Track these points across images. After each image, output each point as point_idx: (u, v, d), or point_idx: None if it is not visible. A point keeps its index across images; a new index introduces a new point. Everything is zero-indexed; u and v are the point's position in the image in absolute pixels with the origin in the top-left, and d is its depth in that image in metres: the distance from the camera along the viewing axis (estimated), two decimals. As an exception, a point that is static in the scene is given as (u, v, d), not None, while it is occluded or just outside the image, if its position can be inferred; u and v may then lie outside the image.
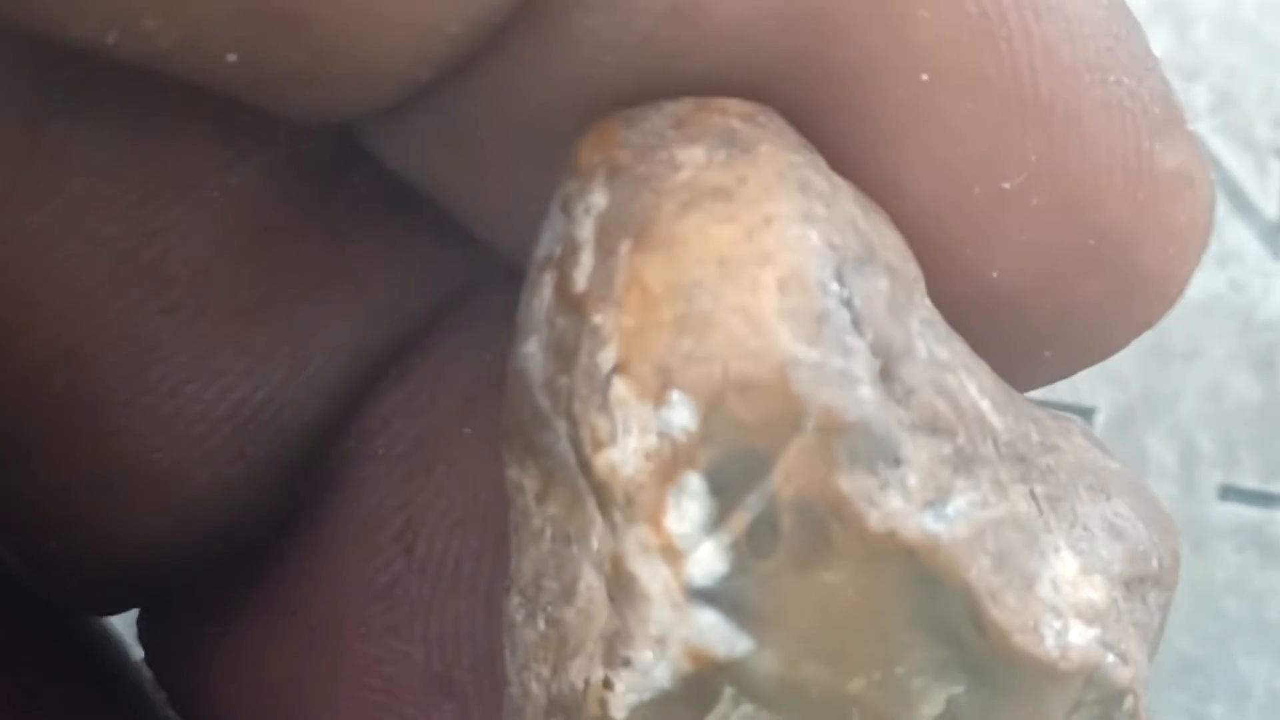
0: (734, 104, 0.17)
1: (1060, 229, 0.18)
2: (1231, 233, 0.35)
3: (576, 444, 0.16)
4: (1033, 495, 0.17)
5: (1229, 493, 0.35)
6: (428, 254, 0.21)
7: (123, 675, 0.23)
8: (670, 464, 0.15)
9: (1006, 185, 0.17)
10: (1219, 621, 0.35)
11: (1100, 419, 0.35)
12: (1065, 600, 0.17)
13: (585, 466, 0.16)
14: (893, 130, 0.17)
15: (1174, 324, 0.35)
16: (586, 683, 0.16)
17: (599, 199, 0.16)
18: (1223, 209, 0.35)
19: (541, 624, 0.17)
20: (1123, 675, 0.17)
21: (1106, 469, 0.18)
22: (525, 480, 0.17)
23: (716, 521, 0.15)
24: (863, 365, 0.16)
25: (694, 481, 0.15)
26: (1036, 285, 0.18)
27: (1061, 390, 0.34)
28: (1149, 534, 0.18)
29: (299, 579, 0.22)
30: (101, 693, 0.23)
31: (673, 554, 0.15)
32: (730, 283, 0.15)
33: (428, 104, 0.18)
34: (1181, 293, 0.19)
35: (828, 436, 0.15)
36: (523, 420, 0.17)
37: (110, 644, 0.23)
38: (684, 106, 0.17)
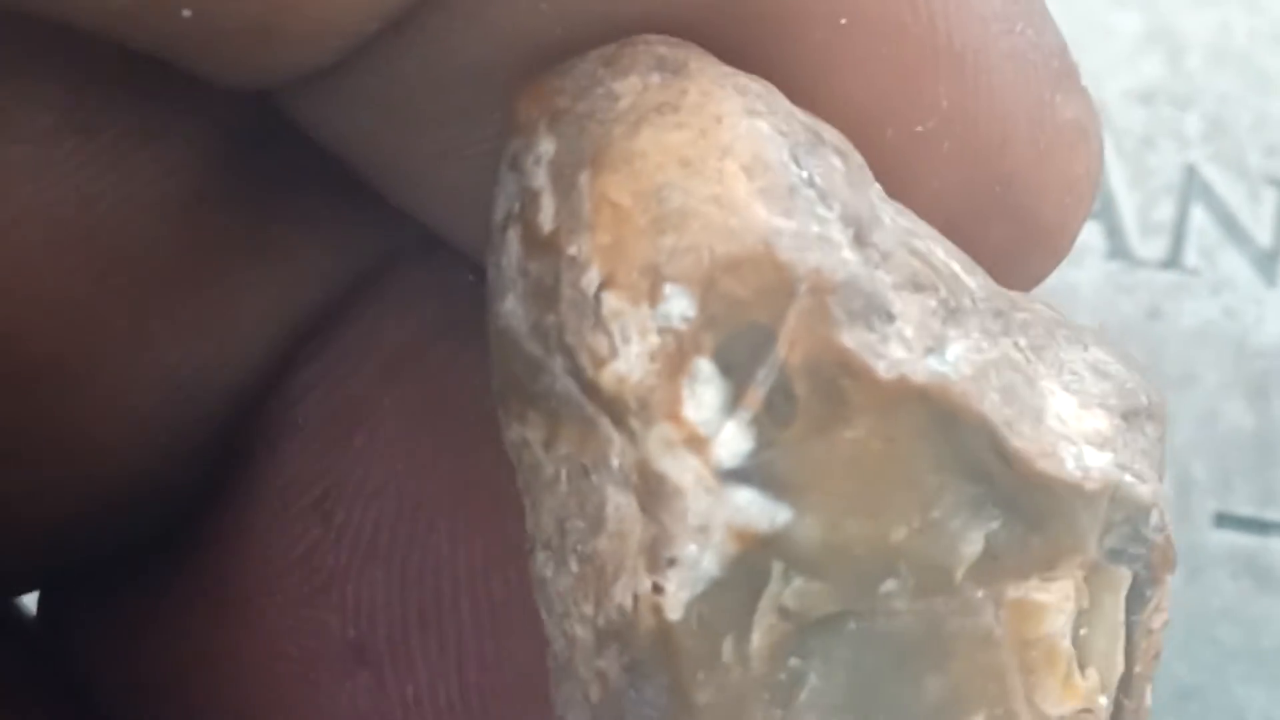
0: (654, 37, 0.17)
1: (969, 174, 0.18)
2: (1225, 260, 0.35)
3: (577, 372, 0.16)
4: (1017, 345, 0.17)
5: (1224, 520, 0.35)
6: (349, 226, 0.21)
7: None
8: (677, 355, 0.16)
9: (919, 129, 0.18)
10: (1214, 649, 0.35)
11: (1094, 446, 0.35)
12: (1073, 430, 0.17)
13: (591, 389, 0.16)
14: (810, 72, 0.18)
15: (1168, 351, 0.35)
16: (635, 598, 0.16)
17: (547, 146, 0.17)
18: (1216, 237, 0.36)
19: (574, 565, 0.17)
20: (1144, 492, 0.17)
21: (1074, 323, 0.19)
22: (529, 432, 0.17)
23: (733, 401, 0.16)
24: (838, 232, 0.16)
25: (704, 367, 0.16)
26: (945, 231, 0.18)
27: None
28: (1131, 373, 0.18)
29: (217, 548, 0.22)
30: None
31: (697, 442, 0.16)
32: (697, 177, 0.16)
33: (362, 64, 0.18)
34: (1071, 246, 0.20)
35: (822, 297, 0.16)
36: (515, 374, 0.17)
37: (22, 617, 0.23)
38: (608, 49, 0.17)
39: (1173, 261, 0.36)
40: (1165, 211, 0.36)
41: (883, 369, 0.16)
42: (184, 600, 0.22)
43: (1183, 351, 0.35)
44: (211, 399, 0.21)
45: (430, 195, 0.20)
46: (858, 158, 0.17)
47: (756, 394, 0.16)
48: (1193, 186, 0.36)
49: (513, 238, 0.17)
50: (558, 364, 0.17)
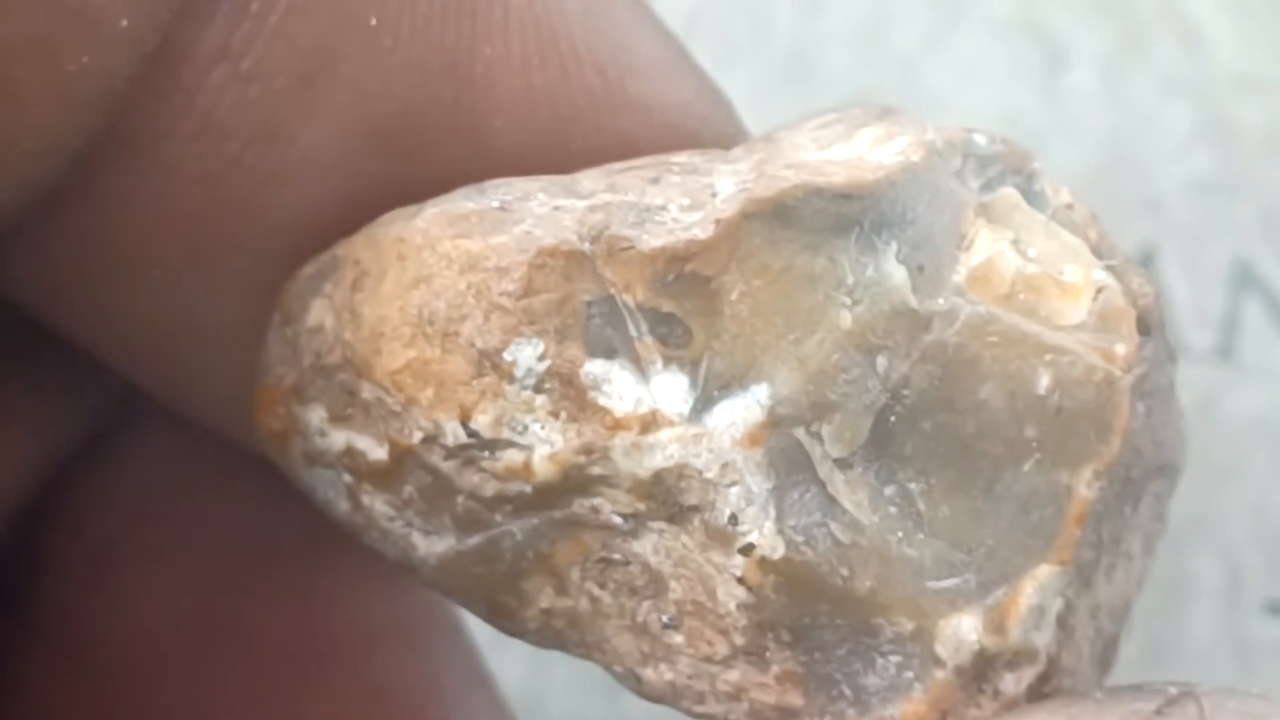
0: (297, 275, 0.18)
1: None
2: (1275, 352, 0.36)
3: (523, 500, 0.17)
4: (764, 155, 0.18)
5: (1275, 609, 0.35)
6: (83, 374, 0.22)
7: None
8: (566, 387, 0.16)
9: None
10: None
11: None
12: (862, 149, 0.18)
13: (543, 495, 0.16)
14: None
15: (1220, 442, 0.35)
16: (741, 580, 0.16)
17: (318, 414, 0.17)
18: (1266, 328, 0.36)
19: (676, 636, 0.17)
20: (953, 133, 0.18)
21: (773, 134, 0.19)
22: (542, 600, 0.17)
23: (638, 367, 0.16)
24: (563, 199, 0.17)
25: (594, 369, 0.16)
26: None
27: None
28: (837, 110, 0.19)
29: None
30: None
31: (649, 421, 0.16)
32: (435, 278, 0.17)
33: (25, 237, 0.18)
34: None
35: (607, 235, 0.16)
36: (484, 576, 0.17)
37: None
38: (275, 317, 0.18)
39: (1225, 353, 0.36)
40: (1217, 303, 0.36)
41: (700, 232, 0.16)
42: None
43: (1234, 443, 0.35)
44: None
45: (119, 355, 0.20)
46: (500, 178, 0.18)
47: (646, 345, 0.16)
48: (1245, 278, 0.36)
49: (370, 500, 0.17)
50: (502, 520, 0.17)
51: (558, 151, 0.18)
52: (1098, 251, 0.18)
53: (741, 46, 0.35)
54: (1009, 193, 0.18)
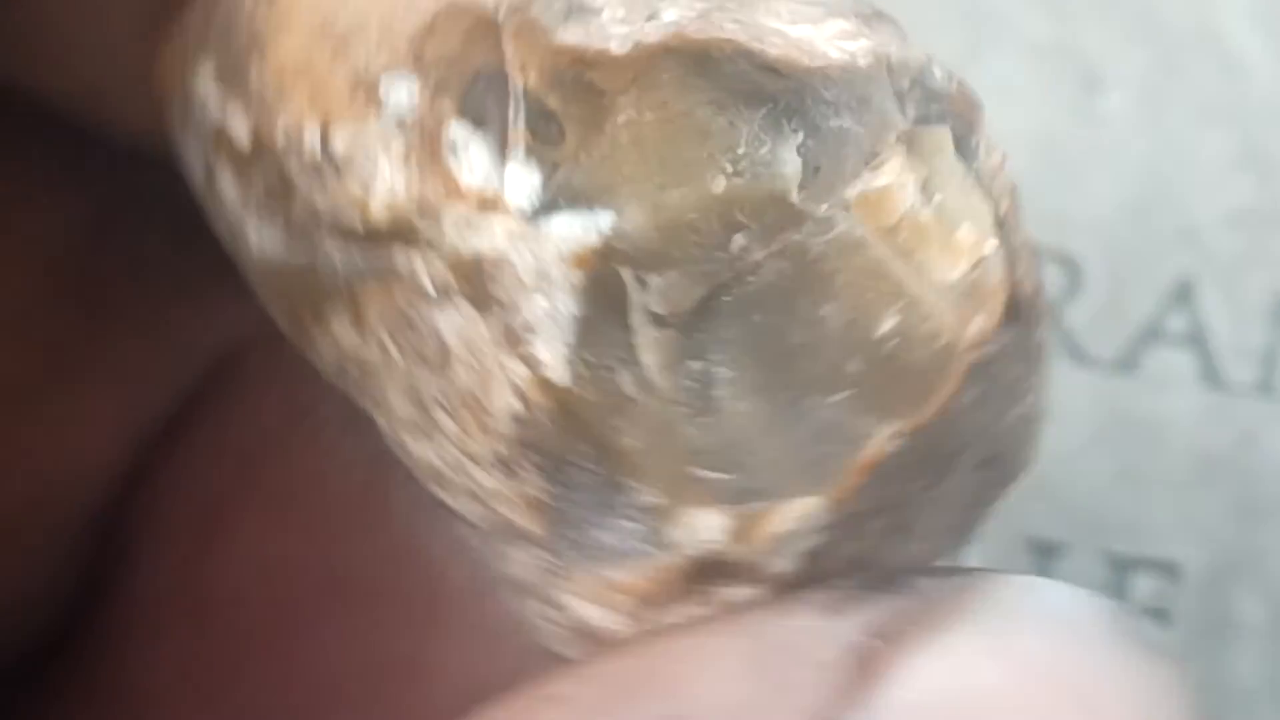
0: None
1: None
2: (1319, 386, 0.35)
3: (350, 233, 0.16)
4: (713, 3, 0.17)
5: (1319, 651, 0.35)
6: (189, 323, 0.22)
7: None
8: (426, 138, 0.16)
9: None
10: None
11: (1186, 575, 0.35)
12: (821, 35, 0.17)
13: (373, 235, 0.16)
14: None
15: (1260, 480, 0.35)
16: (517, 389, 0.16)
17: (206, 66, 0.17)
18: (1309, 362, 0.35)
19: (444, 418, 0.17)
20: (916, 54, 0.17)
21: None
22: (338, 331, 0.17)
23: (501, 148, 0.16)
24: None
25: (457, 132, 0.16)
26: None
27: (1145, 545, 0.34)
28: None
29: (93, 663, 0.22)
30: None
31: (489, 202, 0.16)
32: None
33: None
34: None
35: (523, 13, 0.16)
36: (296, 291, 0.17)
37: None
38: None
39: (1266, 388, 0.35)
40: (1257, 337, 0.35)
41: (615, 46, 0.16)
42: (79, 709, 0.22)
43: (1277, 479, 0.35)
44: (66, 518, 0.21)
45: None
46: None
47: (518, 130, 0.16)
48: (1286, 310, 0.36)
49: (223, 182, 0.17)
50: (328, 245, 0.16)
51: None
52: (1002, 224, 0.17)
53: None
54: (942, 134, 0.17)
